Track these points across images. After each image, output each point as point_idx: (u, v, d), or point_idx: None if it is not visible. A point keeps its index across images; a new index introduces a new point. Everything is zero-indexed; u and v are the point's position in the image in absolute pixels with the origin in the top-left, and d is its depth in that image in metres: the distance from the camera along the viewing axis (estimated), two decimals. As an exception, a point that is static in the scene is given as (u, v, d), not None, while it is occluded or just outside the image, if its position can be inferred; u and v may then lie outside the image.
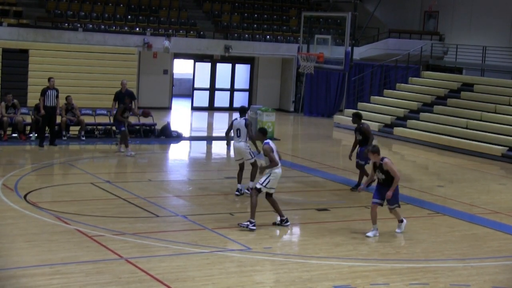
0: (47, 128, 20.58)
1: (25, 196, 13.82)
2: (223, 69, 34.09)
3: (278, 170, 12.46)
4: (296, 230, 13.15)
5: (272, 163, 12.29)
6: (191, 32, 32.76)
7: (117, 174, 17.92)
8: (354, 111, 16.44)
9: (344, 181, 17.55)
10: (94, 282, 9.37)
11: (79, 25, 30.49)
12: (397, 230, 12.66)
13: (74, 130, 22.26)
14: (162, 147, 22.49)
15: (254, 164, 15.00)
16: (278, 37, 34.34)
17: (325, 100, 33.17)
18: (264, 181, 12.40)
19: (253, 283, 9.72)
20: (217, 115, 32.35)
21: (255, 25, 34.95)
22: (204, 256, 10.81)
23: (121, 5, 32.76)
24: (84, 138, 21.77)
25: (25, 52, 28.52)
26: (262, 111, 24.65)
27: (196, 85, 33.84)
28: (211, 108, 33.73)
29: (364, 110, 29.35)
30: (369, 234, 12.25)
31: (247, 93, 34.71)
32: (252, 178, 14.91)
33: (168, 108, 32.29)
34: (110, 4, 32.55)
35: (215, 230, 12.22)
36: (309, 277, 10.04)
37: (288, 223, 12.75)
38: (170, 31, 31.92)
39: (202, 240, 11.63)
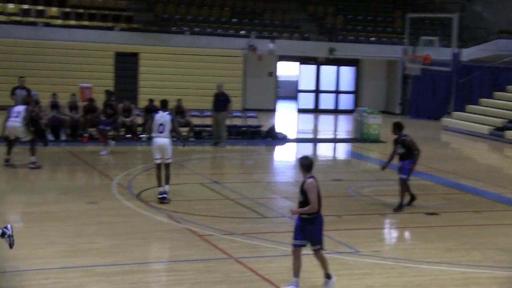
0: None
1: (137, 195, 14.23)
2: (328, 71, 34.04)
3: None
4: (405, 234, 12.96)
5: None
6: (295, 34, 32.85)
7: (225, 175, 18.20)
8: (395, 120, 14.95)
9: (454, 185, 17.16)
10: (205, 280, 9.51)
11: (186, 28, 31.15)
12: None
13: (183, 131, 22.72)
14: (268, 148, 22.65)
15: (169, 166, 13.85)
16: (383, 39, 33.95)
17: (432, 102, 32.53)
18: None
19: (362, 286, 9.63)
20: (322, 117, 32.31)
21: (359, 27, 34.68)
22: (311, 258, 10.76)
23: (227, 8, 33.25)
24: (192, 139, 22.25)
25: (135, 55, 29.41)
26: (367, 113, 24.45)
27: (301, 87, 33.91)
28: (316, 110, 33.71)
29: (474, 112, 28.64)
30: None
31: (352, 95, 34.50)
32: (168, 181, 13.79)
33: (273, 110, 32.50)
34: (215, 8, 33.09)
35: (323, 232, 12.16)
36: (420, 282, 9.86)
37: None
38: (274, 33, 32.14)
39: (310, 242, 11.60)
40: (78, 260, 9.95)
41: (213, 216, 12.97)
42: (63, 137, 21.28)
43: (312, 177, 9.13)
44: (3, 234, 9.05)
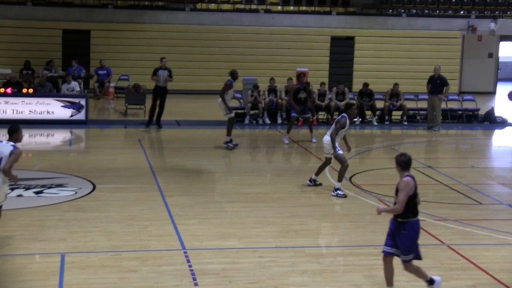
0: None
1: (350, 178, 14.36)
2: (555, 50, 32.01)
3: None
4: None
5: None
6: (519, 12, 31.22)
7: (438, 160, 17.81)
8: None
9: None
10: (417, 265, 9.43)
11: (403, 10, 30.74)
12: None
13: (396, 114, 22.59)
14: (486, 133, 21.81)
15: (340, 159, 12.89)
16: None
17: None
18: None
19: None
20: (546, 100, 30.41)
21: None
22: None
23: (445, -12, 32.37)
24: (406, 123, 22.00)
25: (351, 39, 29.56)
26: None
27: (523, 69, 32.23)
28: (540, 92, 31.84)
29: None
30: None
31: None
32: (340, 178, 12.97)
33: (493, 92, 31.18)
34: (434, -12, 32.35)
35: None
36: None
37: None
38: (496, 12, 30.75)
39: (530, 231, 11.10)
40: (290, 241, 10.29)
41: (425, 201, 12.72)
42: (279, 120, 21.95)
43: (409, 175, 8.17)
44: None
